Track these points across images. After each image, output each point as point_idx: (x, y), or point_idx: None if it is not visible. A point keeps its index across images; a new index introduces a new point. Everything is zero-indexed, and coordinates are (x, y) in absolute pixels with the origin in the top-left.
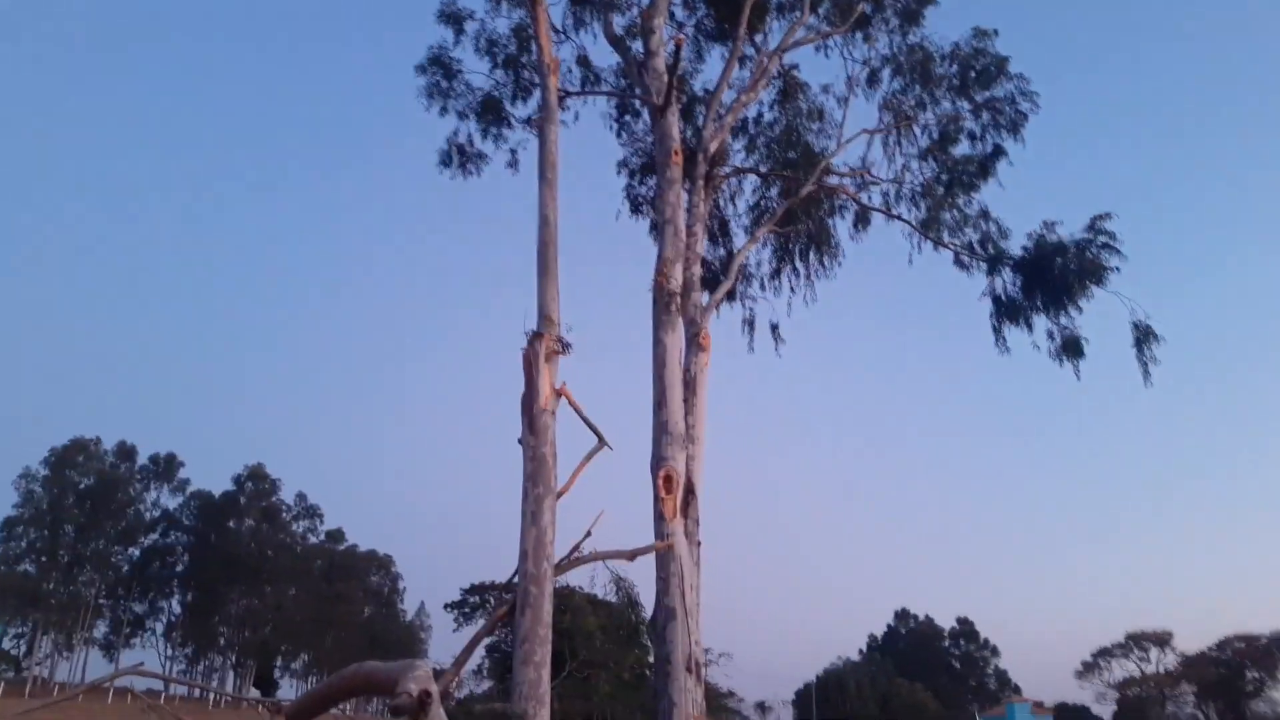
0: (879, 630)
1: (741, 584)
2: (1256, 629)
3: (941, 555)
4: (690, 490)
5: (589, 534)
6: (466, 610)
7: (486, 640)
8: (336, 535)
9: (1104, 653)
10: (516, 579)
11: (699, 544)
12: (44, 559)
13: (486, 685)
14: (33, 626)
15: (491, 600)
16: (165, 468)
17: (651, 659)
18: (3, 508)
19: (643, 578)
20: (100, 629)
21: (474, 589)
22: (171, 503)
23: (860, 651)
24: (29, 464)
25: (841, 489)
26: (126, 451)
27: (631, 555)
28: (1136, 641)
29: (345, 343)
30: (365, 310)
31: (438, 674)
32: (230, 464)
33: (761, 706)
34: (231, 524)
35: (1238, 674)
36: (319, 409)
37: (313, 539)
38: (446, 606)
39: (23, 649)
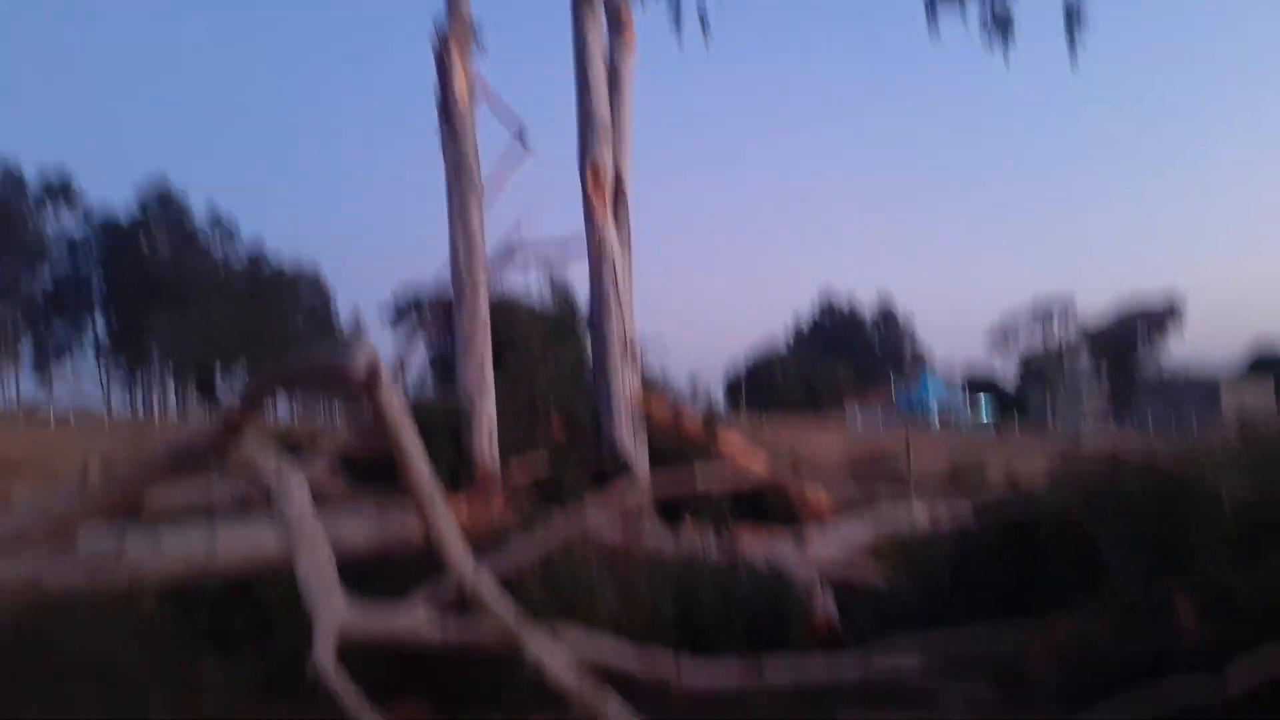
0: (806, 309)
1: (675, 272)
2: (1153, 289)
3: (869, 234)
4: (619, 184)
5: (519, 233)
6: (405, 319)
7: (429, 353)
8: (258, 259)
9: (1011, 323)
10: (450, 284)
11: (629, 237)
12: None
13: (433, 394)
14: None
15: (429, 308)
16: (61, 194)
17: (589, 354)
18: None
19: (577, 278)
20: (27, 355)
21: (409, 297)
22: (74, 228)
23: (787, 344)
24: None
25: (769, 177)
26: (15, 181)
27: (563, 251)
28: (1042, 311)
29: (236, 35)
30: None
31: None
32: (128, 169)
33: (692, 381)
34: (144, 249)
35: (1131, 342)
36: (222, 110)
37: (234, 263)
38: (383, 315)
39: None
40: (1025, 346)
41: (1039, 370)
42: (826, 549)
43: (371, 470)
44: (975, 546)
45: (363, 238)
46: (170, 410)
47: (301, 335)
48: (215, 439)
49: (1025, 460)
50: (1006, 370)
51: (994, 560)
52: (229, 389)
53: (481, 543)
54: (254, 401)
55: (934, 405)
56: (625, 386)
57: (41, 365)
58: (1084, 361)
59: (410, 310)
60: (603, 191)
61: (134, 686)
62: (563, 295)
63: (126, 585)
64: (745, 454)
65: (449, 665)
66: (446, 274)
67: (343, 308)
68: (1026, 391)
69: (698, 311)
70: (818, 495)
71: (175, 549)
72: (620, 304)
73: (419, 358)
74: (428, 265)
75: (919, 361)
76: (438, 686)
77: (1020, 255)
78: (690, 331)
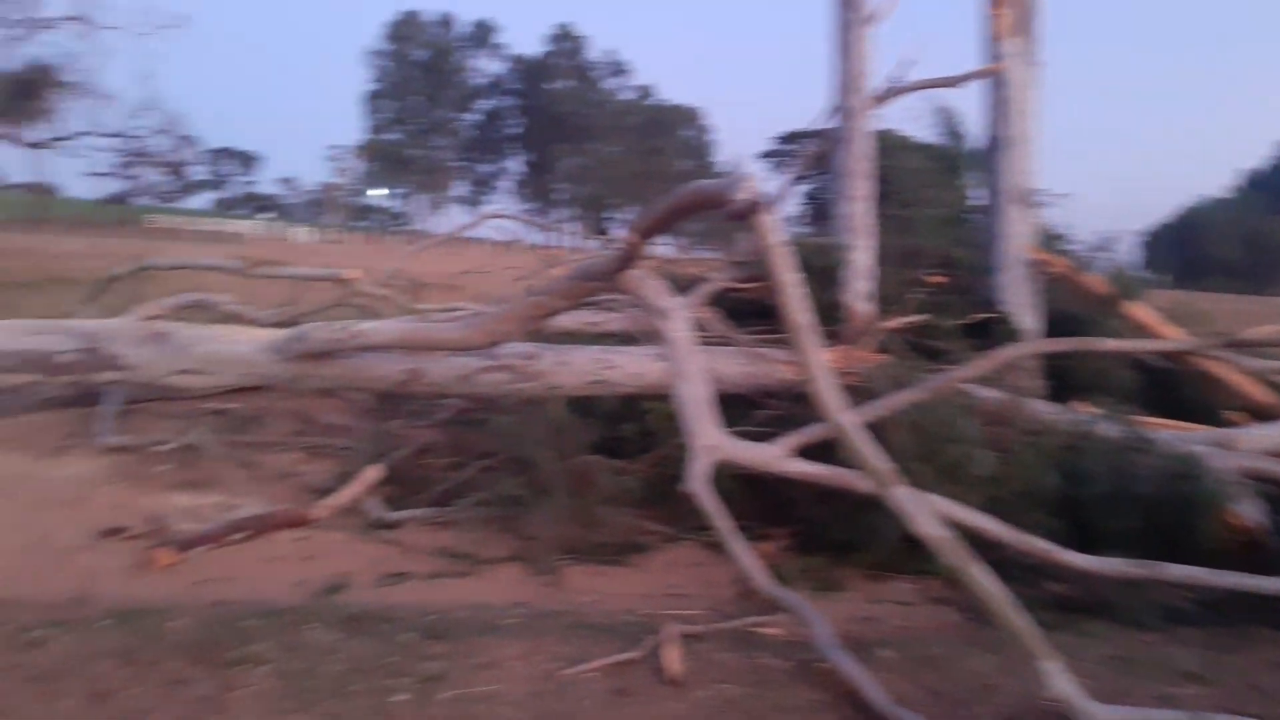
0: (1256, 165)
1: (1092, 115)
2: None
3: None
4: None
5: (909, 62)
6: (782, 159)
7: (805, 189)
8: (645, 91)
9: None
10: (830, 121)
11: (1036, 65)
12: (403, 126)
13: (810, 230)
14: (406, 189)
15: (808, 146)
16: (481, 34)
17: (971, 197)
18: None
19: (969, 110)
20: (458, 189)
21: (789, 137)
22: (495, 69)
23: (1227, 201)
24: (368, 42)
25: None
26: (446, 21)
27: (957, 82)
28: None
29: None
30: None
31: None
32: (542, 22)
33: (1101, 245)
34: (549, 85)
35: None
36: None
37: (623, 96)
38: (761, 156)
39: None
40: None
41: None
42: (1260, 446)
43: (742, 311)
44: None
45: (748, 79)
46: (572, 244)
47: (685, 174)
48: (613, 265)
49: None
50: None
51: None
52: (618, 224)
53: (850, 389)
54: (647, 230)
55: None
56: (1015, 234)
57: (468, 197)
58: None
59: (790, 149)
60: (1008, 12)
61: (546, 475)
62: (951, 131)
63: (541, 391)
64: (1157, 325)
65: (813, 508)
66: (826, 113)
67: (725, 148)
68: None
69: (1119, 155)
70: (1250, 383)
71: (581, 364)
72: (1019, 143)
73: (795, 197)
74: (808, 102)
75: None
76: (800, 526)
77: None
78: (1107, 177)
